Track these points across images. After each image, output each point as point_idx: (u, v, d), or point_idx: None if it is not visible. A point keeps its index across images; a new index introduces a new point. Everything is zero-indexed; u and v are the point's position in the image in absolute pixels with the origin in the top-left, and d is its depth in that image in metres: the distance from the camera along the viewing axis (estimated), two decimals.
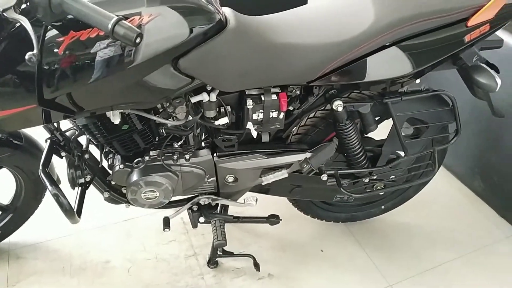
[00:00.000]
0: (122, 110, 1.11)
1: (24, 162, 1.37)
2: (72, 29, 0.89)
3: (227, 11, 1.12)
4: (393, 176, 1.50)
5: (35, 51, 0.73)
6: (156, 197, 1.27)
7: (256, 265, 1.56)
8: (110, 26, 0.75)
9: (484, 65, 1.25)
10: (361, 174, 1.44)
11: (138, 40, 0.77)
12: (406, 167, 1.50)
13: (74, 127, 1.27)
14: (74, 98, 0.98)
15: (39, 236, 1.68)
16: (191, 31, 1.00)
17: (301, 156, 1.31)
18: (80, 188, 1.28)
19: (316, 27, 1.16)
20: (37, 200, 1.55)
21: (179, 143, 1.29)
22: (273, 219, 1.50)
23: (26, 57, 0.73)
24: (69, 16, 0.86)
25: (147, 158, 1.25)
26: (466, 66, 1.25)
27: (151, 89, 1.03)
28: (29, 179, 1.45)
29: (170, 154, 1.27)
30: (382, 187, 1.51)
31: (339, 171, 1.38)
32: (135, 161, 1.24)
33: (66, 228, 1.69)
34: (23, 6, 0.85)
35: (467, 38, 1.18)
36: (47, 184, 1.13)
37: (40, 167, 1.16)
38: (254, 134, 1.23)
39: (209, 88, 1.15)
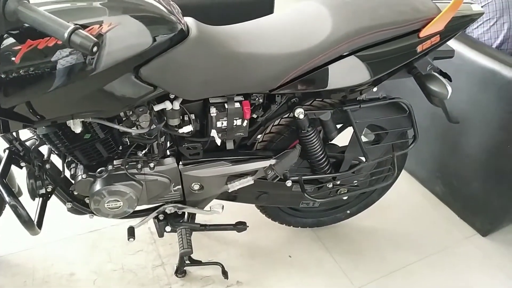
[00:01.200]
0: (83, 119, 1.10)
1: None
2: (29, 38, 0.88)
3: (189, 20, 1.14)
4: (356, 181, 1.55)
5: None
6: (120, 206, 1.26)
7: (225, 273, 1.57)
8: (66, 35, 0.75)
9: (436, 74, 1.31)
10: (324, 180, 1.48)
11: (95, 49, 0.77)
12: (368, 172, 1.54)
13: (35, 137, 1.25)
14: (33, 107, 0.96)
15: (0, 250, 1.62)
16: (152, 40, 1.01)
17: (265, 163, 1.34)
18: (41, 199, 1.26)
19: (276, 37, 1.19)
20: None
21: (143, 151, 1.29)
22: (240, 226, 1.51)
23: None
24: (26, 25, 0.86)
25: (110, 167, 1.24)
26: (420, 74, 1.31)
27: (113, 97, 1.03)
28: None
29: (134, 163, 1.26)
30: (346, 191, 1.55)
31: (303, 177, 1.40)
32: (98, 170, 1.23)
33: (29, 241, 1.65)
34: None
35: (419, 49, 1.24)
36: (5, 195, 1.11)
37: None
38: (218, 141, 1.24)
39: (172, 96, 1.16)
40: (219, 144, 1.25)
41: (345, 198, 1.57)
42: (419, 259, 1.78)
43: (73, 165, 1.27)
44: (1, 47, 0.88)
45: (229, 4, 2.18)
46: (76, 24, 0.77)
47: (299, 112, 1.26)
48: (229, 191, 1.38)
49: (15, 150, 1.20)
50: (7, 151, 1.20)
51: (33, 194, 1.21)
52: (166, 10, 1.06)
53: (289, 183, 1.41)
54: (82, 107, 1.03)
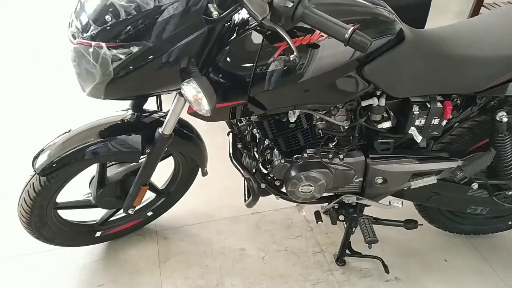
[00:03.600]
0: (300, 109, 1.23)
1: (190, 151, 1.53)
2: None
3: (402, 24, 1.21)
4: None
5: (295, 53, 0.86)
6: (311, 191, 1.37)
7: (385, 267, 1.62)
8: (347, 35, 0.86)
9: None
10: (506, 186, 1.46)
11: (369, 47, 0.87)
12: None
13: (245, 124, 1.42)
14: (271, 97, 1.11)
15: (181, 220, 1.85)
16: (379, 41, 1.10)
17: (452, 164, 1.36)
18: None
19: (489, 40, 1.21)
20: (186, 187, 1.72)
21: (333, 143, 1.39)
22: (410, 224, 1.54)
23: (291, 58, 0.86)
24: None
25: (305, 155, 1.35)
26: None
27: (337, 92, 1.15)
28: (187, 167, 1.62)
29: (325, 153, 1.37)
30: None
31: (489, 181, 1.40)
32: (295, 156, 1.35)
33: (203, 216, 1.86)
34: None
35: None
36: (240, 169, 1.28)
37: (231, 155, 1.32)
38: (418, 139, 1.29)
39: (378, 93, 1.24)
40: (418, 141, 1.30)
41: None
42: None
43: (268, 151, 1.42)
44: (264, 44, 1.03)
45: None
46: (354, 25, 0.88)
47: (502, 115, 1.27)
48: (411, 188, 1.42)
49: (236, 133, 1.38)
50: (231, 134, 1.38)
51: (251, 173, 1.36)
52: (387, 14, 1.14)
53: (475, 186, 1.42)
54: (308, 99, 1.16)
